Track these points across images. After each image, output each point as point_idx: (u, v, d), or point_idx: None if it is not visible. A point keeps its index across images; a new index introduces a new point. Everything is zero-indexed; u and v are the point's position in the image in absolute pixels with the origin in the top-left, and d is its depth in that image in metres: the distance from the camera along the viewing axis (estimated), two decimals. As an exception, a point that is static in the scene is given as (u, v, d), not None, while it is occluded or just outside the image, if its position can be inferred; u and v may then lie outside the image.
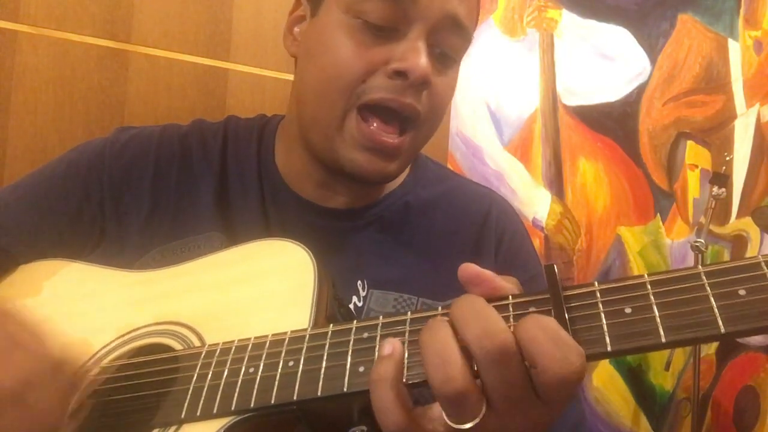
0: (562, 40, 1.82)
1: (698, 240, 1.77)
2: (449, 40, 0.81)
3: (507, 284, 0.55)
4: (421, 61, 0.77)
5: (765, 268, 0.47)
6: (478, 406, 0.48)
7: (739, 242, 2.08)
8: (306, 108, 0.85)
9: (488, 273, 0.55)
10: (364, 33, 0.78)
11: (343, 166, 0.82)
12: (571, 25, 1.82)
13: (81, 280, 0.83)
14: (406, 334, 0.56)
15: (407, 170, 0.97)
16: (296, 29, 0.88)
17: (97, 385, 0.68)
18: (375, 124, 0.79)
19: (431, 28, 0.78)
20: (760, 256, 0.48)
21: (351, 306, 0.84)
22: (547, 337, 0.47)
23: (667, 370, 1.98)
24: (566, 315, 0.50)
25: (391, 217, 0.92)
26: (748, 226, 2.06)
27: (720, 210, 2.02)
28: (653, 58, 1.95)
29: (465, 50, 0.86)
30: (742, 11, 2.07)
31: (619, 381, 1.91)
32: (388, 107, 0.79)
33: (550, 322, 0.48)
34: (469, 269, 0.55)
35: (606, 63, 1.88)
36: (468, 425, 0.48)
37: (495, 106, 1.74)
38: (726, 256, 2.06)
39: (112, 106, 1.30)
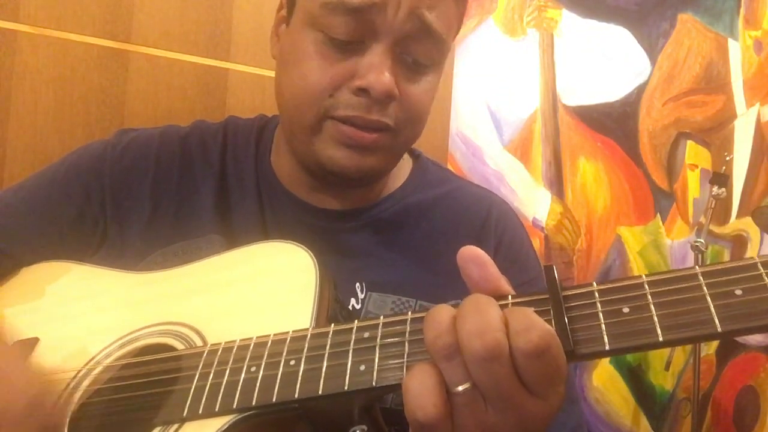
0: (562, 40, 1.82)
1: (698, 240, 1.77)
2: (420, 48, 0.80)
3: (504, 281, 0.56)
4: (383, 77, 0.76)
5: (761, 268, 0.48)
6: (467, 371, 0.49)
7: (739, 242, 2.08)
8: (283, 114, 0.86)
9: (487, 257, 0.56)
10: (329, 47, 0.78)
11: (324, 165, 0.82)
12: (571, 25, 1.82)
13: (83, 282, 0.83)
14: (407, 334, 0.56)
15: (407, 172, 0.97)
16: (281, 28, 0.88)
17: (100, 384, 0.69)
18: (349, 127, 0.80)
19: (397, 39, 0.77)
20: (756, 257, 0.49)
21: (349, 308, 0.84)
22: (513, 317, 0.49)
23: (667, 370, 1.98)
24: (565, 315, 0.51)
25: (390, 219, 0.92)
26: (748, 226, 2.06)
27: (720, 210, 2.02)
28: (653, 58, 1.95)
29: (441, 55, 0.84)
30: (742, 11, 2.07)
31: (619, 381, 1.91)
32: (355, 124, 0.79)
33: (525, 308, 0.50)
34: (470, 250, 0.56)
35: (606, 63, 1.88)
36: (460, 388, 0.49)
37: (495, 106, 1.74)
38: (726, 256, 2.07)
39: (112, 106, 1.30)
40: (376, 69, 0.77)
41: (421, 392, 0.50)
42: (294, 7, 0.83)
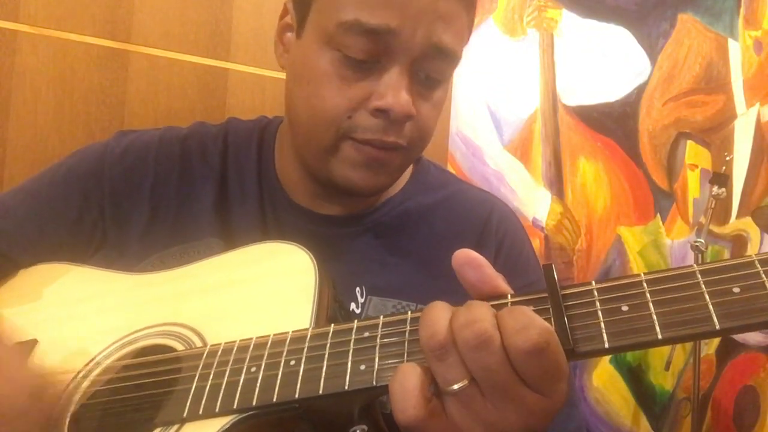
0: (562, 40, 1.82)
1: (698, 240, 1.77)
2: (435, 66, 0.79)
3: (501, 280, 0.56)
4: (401, 98, 0.76)
5: (758, 266, 0.48)
6: (461, 368, 0.50)
7: (739, 242, 2.09)
8: (298, 129, 0.84)
9: (483, 258, 0.56)
10: (345, 66, 0.77)
11: (337, 183, 0.82)
12: (571, 25, 1.83)
13: (82, 283, 0.83)
14: (407, 334, 0.56)
15: (407, 176, 0.96)
16: (287, 35, 0.87)
17: (100, 386, 0.69)
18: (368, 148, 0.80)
19: (414, 59, 0.77)
20: (753, 255, 0.49)
21: (349, 310, 0.84)
22: (512, 316, 0.50)
23: (667, 369, 1.98)
24: (564, 314, 0.51)
25: (390, 223, 0.92)
26: (748, 226, 2.07)
27: (720, 210, 2.02)
28: (653, 58, 1.95)
29: (453, 70, 0.84)
30: (742, 11, 2.07)
31: (619, 381, 1.91)
32: (373, 146, 0.79)
33: (522, 306, 0.51)
34: (464, 254, 0.56)
35: (606, 63, 1.88)
36: (456, 386, 0.50)
37: (495, 106, 1.75)
38: (726, 256, 2.07)
39: (112, 106, 1.31)
40: (394, 90, 0.76)
41: (401, 395, 0.50)
42: (306, 20, 0.81)
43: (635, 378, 1.93)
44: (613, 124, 1.90)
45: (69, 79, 1.27)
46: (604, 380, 1.89)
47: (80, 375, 0.70)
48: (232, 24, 1.39)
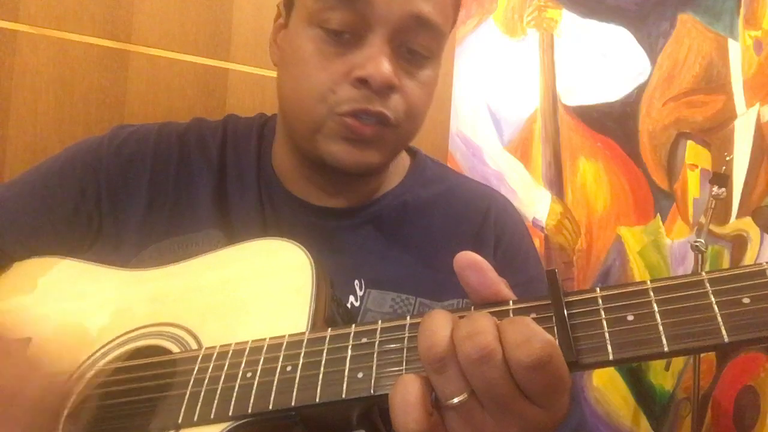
0: (562, 40, 1.82)
1: (698, 240, 1.77)
2: (417, 39, 0.80)
3: (503, 285, 0.55)
4: (381, 67, 0.77)
5: None
6: (461, 381, 0.49)
7: (739, 242, 2.08)
8: (287, 113, 0.86)
9: (485, 262, 0.55)
10: (327, 42, 0.79)
11: (324, 160, 0.82)
12: (571, 25, 1.82)
13: (76, 278, 0.82)
14: (405, 340, 0.55)
15: (405, 170, 0.96)
16: (280, 34, 0.88)
17: (93, 389, 0.68)
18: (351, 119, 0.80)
19: (393, 30, 0.78)
20: (765, 263, 0.47)
21: (347, 306, 0.84)
22: (513, 327, 0.48)
23: (667, 370, 1.98)
24: (567, 322, 0.50)
25: (389, 216, 0.92)
26: (748, 226, 2.06)
27: (720, 210, 2.02)
28: (653, 58, 1.94)
29: (440, 46, 0.84)
30: (742, 11, 2.07)
31: (619, 381, 1.91)
32: (357, 116, 0.80)
33: (524, 318, 0.49)
34: (466, 256, 0.55)
35: (606, 63, 1.88)
36: (455, 400, 0.49)
37: (495, 106, 1.74)
38: (726, 256, 2.06)
39: (112, 106, 1.30)
40: (373, 59, 0.77)
41: (403, 408, 0.49)
42: (292, 9, 0.83)
43: (635, 378, 1.93)
44: (613, 124, 1.89)
45: (69, 79, 1.27)
46: (604, 380, 1.88)
47: (73, 377, 0.69)
48: (232, 24, 1.39)
